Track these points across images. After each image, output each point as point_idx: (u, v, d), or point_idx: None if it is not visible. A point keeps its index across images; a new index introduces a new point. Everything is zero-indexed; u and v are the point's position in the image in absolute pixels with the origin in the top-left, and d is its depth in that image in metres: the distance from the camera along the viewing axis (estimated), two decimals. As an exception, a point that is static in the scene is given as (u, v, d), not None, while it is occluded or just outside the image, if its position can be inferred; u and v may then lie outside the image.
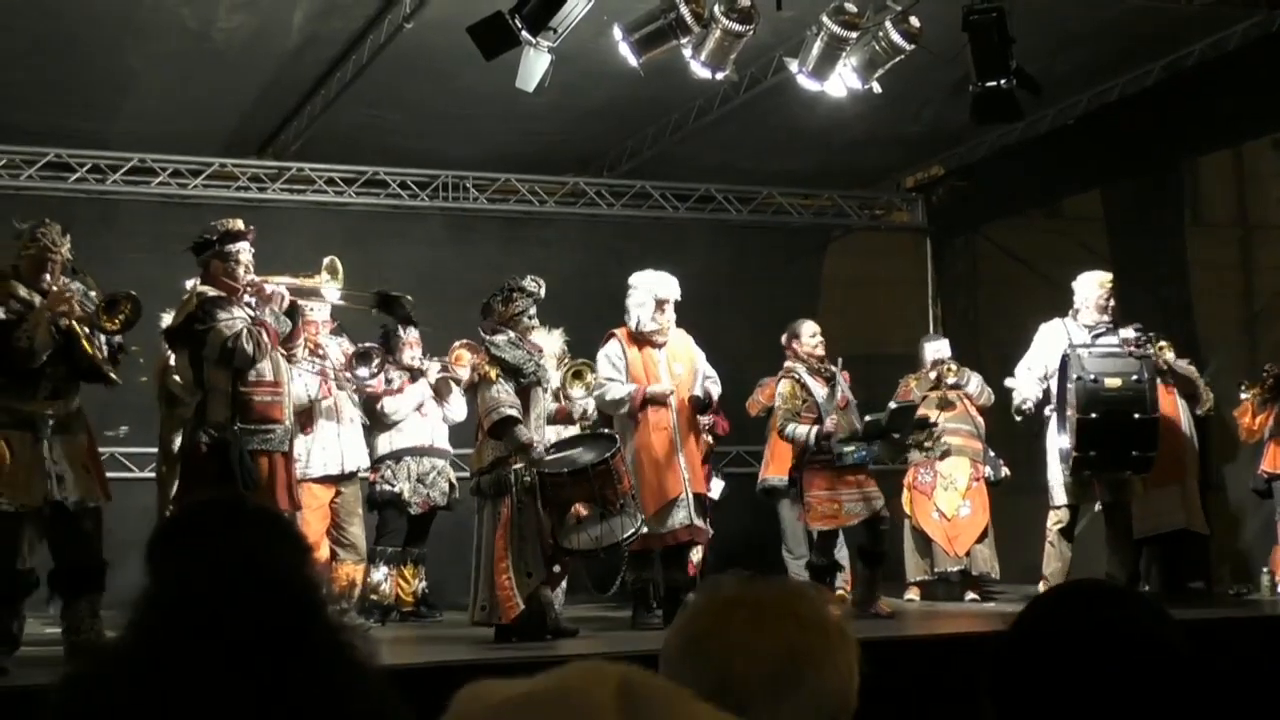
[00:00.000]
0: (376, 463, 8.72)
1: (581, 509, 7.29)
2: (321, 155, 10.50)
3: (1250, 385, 9.00)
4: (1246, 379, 9.14)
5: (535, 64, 7.27)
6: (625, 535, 7.34)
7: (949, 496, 9.52)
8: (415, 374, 8.83)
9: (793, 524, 9.15)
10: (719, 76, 7.83)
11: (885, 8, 7.85)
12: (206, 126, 10.11)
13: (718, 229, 11.65)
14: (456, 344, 8.92)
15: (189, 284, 7.06)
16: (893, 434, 8.41)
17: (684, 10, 7.27)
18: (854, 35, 7.74)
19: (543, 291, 7.58)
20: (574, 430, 8.28)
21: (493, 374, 7.29)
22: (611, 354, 8.06)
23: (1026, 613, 1.80)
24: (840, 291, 12.25)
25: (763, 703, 1.54)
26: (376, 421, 8.75)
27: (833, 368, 8.48)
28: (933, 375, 9.70)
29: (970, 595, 9.53)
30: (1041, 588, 8.52)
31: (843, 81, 8.03)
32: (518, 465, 7.20)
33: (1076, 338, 8.32)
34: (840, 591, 8.76)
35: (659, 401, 7.93)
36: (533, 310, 7.55)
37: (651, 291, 8.06)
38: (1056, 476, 8.38)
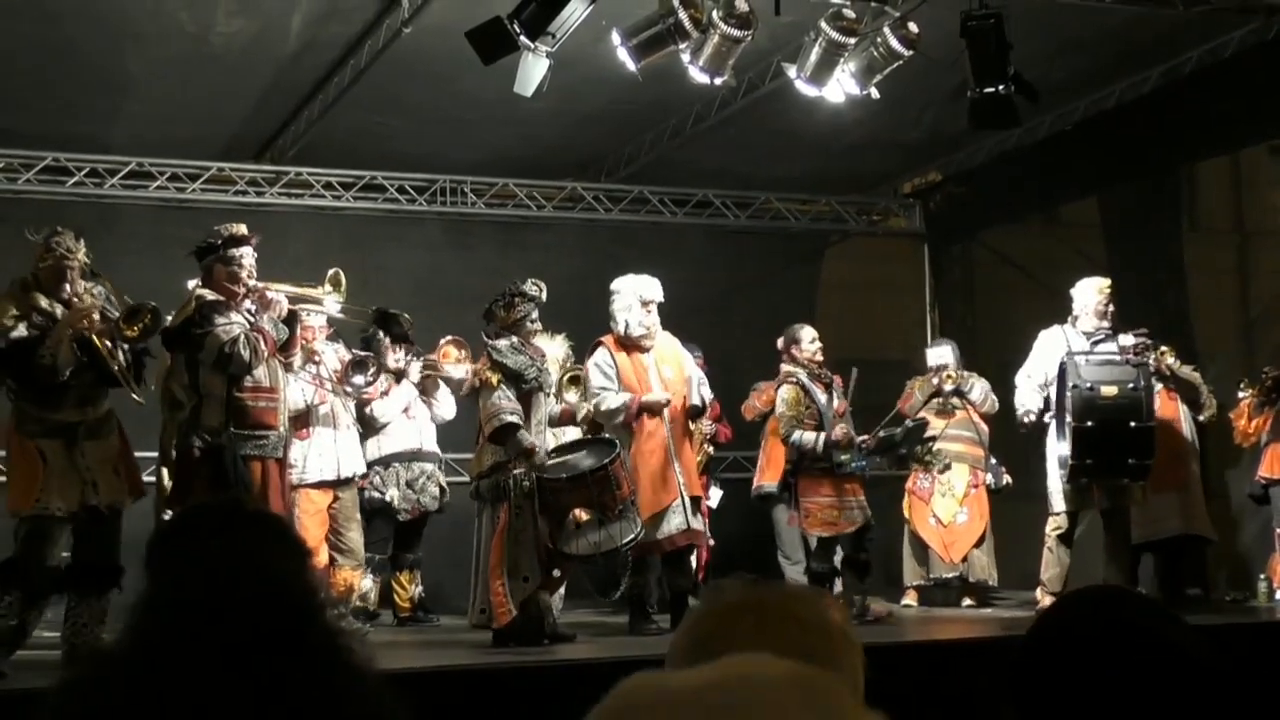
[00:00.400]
0: (366, 469, 8.72)
1: (581, 514, 7.29)
2: (320, 160, 10.50)
3: (1250, 385, 9.00)
4: (1245, 378, 9.13)
5: (533, 69, 7.27)
6: (625, 541, 7.33)
7: (946, 503, 9.52)
8: (399, 375, 8.83)
9: (788, 530, 9.15)
10: (717, 82, 7.84)
11: (884, 13, 7.85)
12: (205, 131, 10.11)
13: (715, 234, 11.66)
14: (443, 340, 8.91)
15: (190, 284, 7.07)
16: (901, 450, 8.47)
17: (682, 15, 7.27)
18: (852, 41, 7.74)
19: (544, 295, 7.58)
20: (576, 432, 8.28)
21: (494, 379, 7.29)
22: (601, 363, 8.03)
23: (1048, 617, 1.80)
24: (838, 297, 12.26)
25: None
26: (366, 427, 8.75)
27: (831, 374, 8.52)
28: (934, 381, 9.71)
29: (967, 601, 9.53)
30: (1039, 594, 8.54)
31: (841, 87, 8.03)
32: (517, 470, 7.20)
33: (1075, 344, 8.33)
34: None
35: (654, 410, 7.92)
36: (535, 315, 7.55)
37: (637, 294, 8.04)
38: (1055, 483, 8.38)
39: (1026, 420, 8.57)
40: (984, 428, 9.62)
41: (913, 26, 7.79)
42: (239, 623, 1.23)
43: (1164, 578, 9.04)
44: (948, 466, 9.47)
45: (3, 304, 6.41)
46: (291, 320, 7.04)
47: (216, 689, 1.18)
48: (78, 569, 6.48)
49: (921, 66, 8.01)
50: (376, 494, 8.70)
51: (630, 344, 8.05)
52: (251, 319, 6.85)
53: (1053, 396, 8.39)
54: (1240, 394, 9.07)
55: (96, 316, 6.43)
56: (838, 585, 8.64)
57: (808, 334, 8.58)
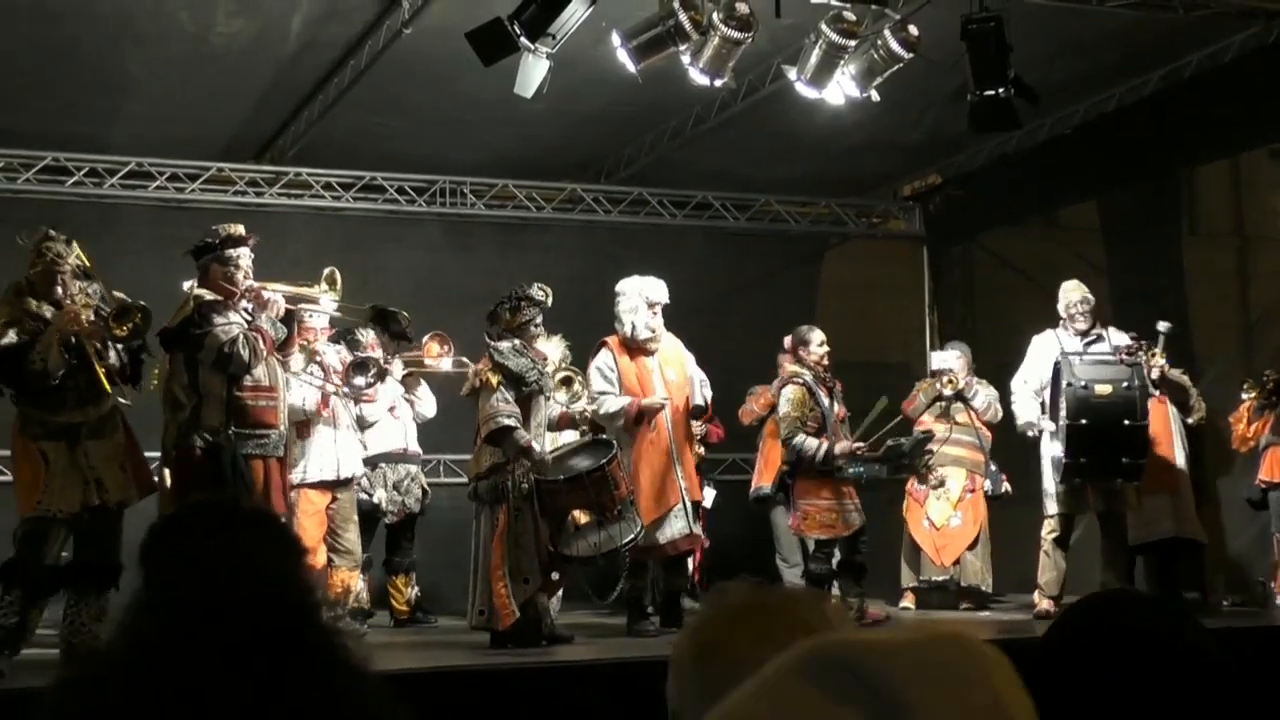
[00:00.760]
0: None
1: (579, 516, 7.29)
2: (319, 160, 10.50)
3: (1252, 386, 8.99)
4: (1249, 379, 9.12)
5: (534, 70, 7.27)
6: (624, 541, 7.34)
7: (941, 506, 9.53)
8: (383, 374, 8.81)
9: (786, 532, 9.14)
10: (717, 83, 7.84)
11: (884, 16, 7.85)
12: (205, 131, 10.11)
13: (715, 236, 11.66)
14: (426, 336, 8.90)
15: (186, 285, 7.06)
16: (905, 460, 8.48)
17: (683, 17, 7.27)
18: (852, 43, 7.75)
19: (550, 301, 7.58)
20: (574, 435, 8.27)
21: (494, 381, 7.28)
22: (603, 365, 8.03)
23: (1065, 619, 1.80)
24: (837, 299, 12.25)
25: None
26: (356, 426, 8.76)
27: (834, 379, 8.53)
28: (937, 386, 9.72)
29: (964, 605, 9.52)
30: (1037, 597, 8.54)
31: (841, 89, 8.03)
32: (516, 472, 7.20)
33: (1068, 346, 8.35)
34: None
35: (652, 413, 7.92)
36: (539, 319, 7.55)
37: (643, 296, 8.05)
38: (1050, 486, 8.39)
39: (1030, 434, 8.61)
40: (986, 433, 9.62)
41: (913, 29, 7.80)
42: (236, 622, 1.23)
43: (1158, 581, 9.03)
44: (941, 482, 9.47)
45: None
46: (289, 320, 7.05)
47: (213, 689, 1.17)
48: (78, 567, 6.49)
49: (922, 69, 8.01)
50: (364, 495, 8.69)
51: (635, 346, 8.05)
52: (249, 318, 6.85)
53: (1047, 400, 8.41)
54: (1243, 396, 9.06)
55: (85, 318, 6.42)
56: (835, 588, 8.65)
57: (816, 336, 8.58)
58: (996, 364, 10.03)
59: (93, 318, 6.46)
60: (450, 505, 9.87)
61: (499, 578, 7.09)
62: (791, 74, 8.08)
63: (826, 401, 8.36)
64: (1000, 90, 7.86)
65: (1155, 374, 8.43)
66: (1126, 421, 7.97)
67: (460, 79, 8.64)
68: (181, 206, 10.16)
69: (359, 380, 8.27)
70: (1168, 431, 8.90)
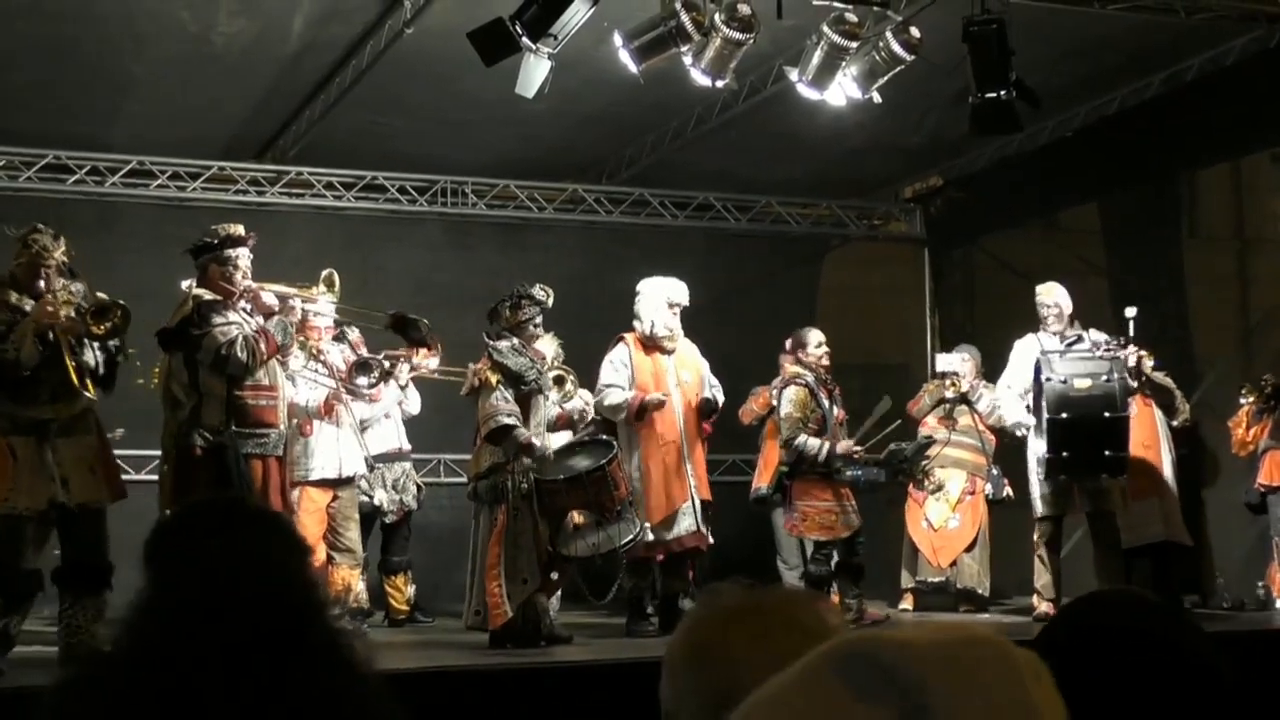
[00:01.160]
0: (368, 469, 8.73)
1: (578, 516, 7.29)
2: (320, 160, 10.50)
3: (1250, 391, 8.99)
4: (1247, 384, 9.13)
5: (535, 70, 7.27)
6: (623, 542, 7.34)
7: (939, 508, 9.54)
8: (385, 376, 8.82)
9: (786, 534, 9.15)
10: (719, 85, 7.83)
11: (886, 18, 7.85)
12: (206, 130, 10.11)
13: (716, 237, 11.66)
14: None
15: (185, 284, 7.06)
16: (906, 465, 8.48)
17: (684, 18, 7.27)
18: (854, 45, 7.74)
19: (551, 301, 7.60)
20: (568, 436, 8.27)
21: (493, 380, 7.29)
22: (616, 359, 8.06)
23: (1059, 619, 1.80)
24: (837, 301, 12.26)
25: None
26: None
27: (834, 382, 8.54)
28: (942, 388, 9.73)
29: (964, 606, 9.52)
30: (1035, 600, 8.54)
31: (842, 91, 8.03)
32: (515, 471, 7.20)
33: (1048, 346, 8.37)
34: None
35: (654, 409, 7.92)
36: (539, 319, 7.56)
37: (664, 295, 8.10)
38: (1036, 488, 8.41)
39: (1019, 433, 8.63)
40: (989, 437, 9.60)
41: (915, 31, 7.79)
42: (239, 621, 1.23)
43: (1156, 584, 9.02)
44: (940, 487, 9.47)
45: None
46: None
47: (216, 686, 1.18)
48: (67, 569, 6.41)
49: (923, 71, 8.01)
50: (364, 497, 8.70)
51: (652, 344, 8.08)
52: (249, 318, 6.85)
53: (1031, 402, 8.44)
54: (1241, 400, 9.06)
55: (64, 314, 6.35)
56: (833, 589, 8.65)
57: (815, 337, 8.59)
58: (997, 366, 10.01)
59: (72, 315, 6.38)
60: (449, 505, 9.89)
61: (493, 576, 7.10)
62: (793, 75, 8.08)
63: (827, 403, 8.38)
64: (1001, 93, 7.85)
65: (1133, 361, 8.43)
66: (1107, 414, 7.99)
67: (462, 79, 8.64)
68: (182, 205, 10.15)
69: (362, 380, 8.27)
70: (1154, 435, 8.90)
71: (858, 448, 8.34)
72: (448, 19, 7.75)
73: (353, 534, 8.20)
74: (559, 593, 8.06)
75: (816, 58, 7.83)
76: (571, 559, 7.36)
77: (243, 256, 6.91)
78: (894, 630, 1.11)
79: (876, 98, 8.13)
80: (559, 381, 7.92)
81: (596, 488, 7.21)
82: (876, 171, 11.73)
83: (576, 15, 7.05)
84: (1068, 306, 8.55)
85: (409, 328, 7.89)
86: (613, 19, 7.43)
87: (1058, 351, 8.26)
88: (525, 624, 7.13)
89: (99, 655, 1.27)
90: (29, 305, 6.37)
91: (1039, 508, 8.39)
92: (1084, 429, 7.98)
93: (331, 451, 8.18)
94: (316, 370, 8.18)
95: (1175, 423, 9.05)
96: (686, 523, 7.89)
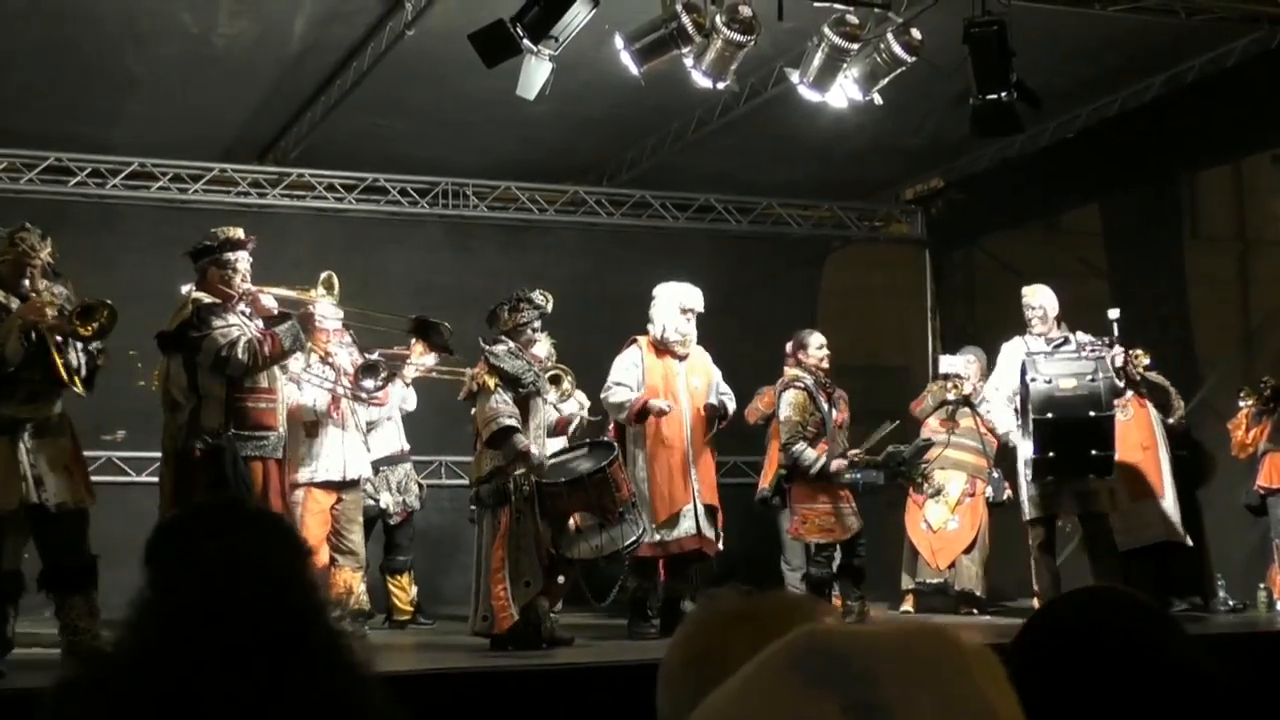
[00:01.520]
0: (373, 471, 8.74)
1: (580, 519, 7.28)
2: (322, 161, 10.51)
3: (1249, 394, 8.99)
4: (1246, 387, 9.13)
5: (536, 72, 7.27)
6: (626, 544, 7.34)
7: (938, 509, 9.55)
8: (390, 377, 8.81)
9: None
10: (720, 86, 7.83)
11: (886, 20, 7.86)
12: (207, 132, 10.11)
13: (717, 239, 11.66)
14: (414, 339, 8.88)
15: (184, 289, 7.05)
16: (904, 467, 8.47)
17: (685, 20, 7.27)
18: (855, 47, 7.75)
19: (550, 306, 7.60)
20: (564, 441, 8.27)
21: (491, 383, 7.28)
22: (627, 360, 8.09)
23: (1035, 620, 1.79)
24: (838, 303, 12.26)
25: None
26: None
27: (834, 385, 8.54)
28: (944, 390, 9.73)
29: (964, 609, 9.52)
30: (1036, 604, 8.53)
31: (843, 93, 8.03)
32: (517, 474, 7.20)
33: (1034, 348, 8.38)
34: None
35: (655, 413, 7.93)
36: (537, 323, 7.56)
37: (676, 301, 8.11)
38: (1025, 490, 8.41)
39: (1012, 445, 8.65)
40: (991, 439, 9.60)
41: (915, 33, 7.79)
42: (239, 623, 1.23)
43: (1155, 586, 9.02)
44: (939, 491, 9.47)
45: None
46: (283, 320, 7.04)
47: (216, 688, 1.17)
48: (49, 575, 6.37)
49: (924, 73, 8.01)
50: (371, 501, 8.71)
51: (664, 349, 8.09)
52: (249, 320, 6.85)
53: (1019, 404, 8.44)
54: (1240, 403, 9.06)
55: (51, 313, 6.33)
56: (835, 591, 8.65)
57: (815, 340, 8.59)
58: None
59: (57, 315, 6.36)
60: (450, 507, 9.89)
61: (499, 580, 7.10)
62: (794, 77, 8.08)
63: (826, 406, 8.38)
64: (1002, 94, 7.85)
65: (1120, 360, 8.43)
66: (1092, 414, 7.99)
67: (463, 81, 8.65)
68: (184, 207, 10.16)
69: (368, 383, 8.25)
70: (1151, 436, 8.90)
71: (854, 451, 8.34)
72: (449, 21, 7.75)
73: (356, 536, 8.20)
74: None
75: (817, 59, 7.83)
76: (574, 562, 7.36)
77: (242, 260, 6.91)
78: (849, 625, 1.12)
79: (877, 99, 8.13)
80: (555, 380, 7.92)
81: (598, 490, 7.21)
82: (877, 173, 11.74)
83: (577, 17, 7.05)
84: (1053, 309, 8.53)
85: (431, 332, 7.82)
86: (614, 21, 7.43)
87: (1043, 353, 8.26)
88: (527, 626, 7.13)
89: (99, 656, 1.27)
90: (14, 304, 6.35)
91: (1027, 510, 8.38)
92: (1070, 429, 7.98)
93: (336, 454, 8.18)
94: (324, 371, 8.18)
95: (1171, 420, 9.05)
96: (686, 525, 7.90)
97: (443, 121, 9.89)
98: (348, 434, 8.29)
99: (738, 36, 7.40)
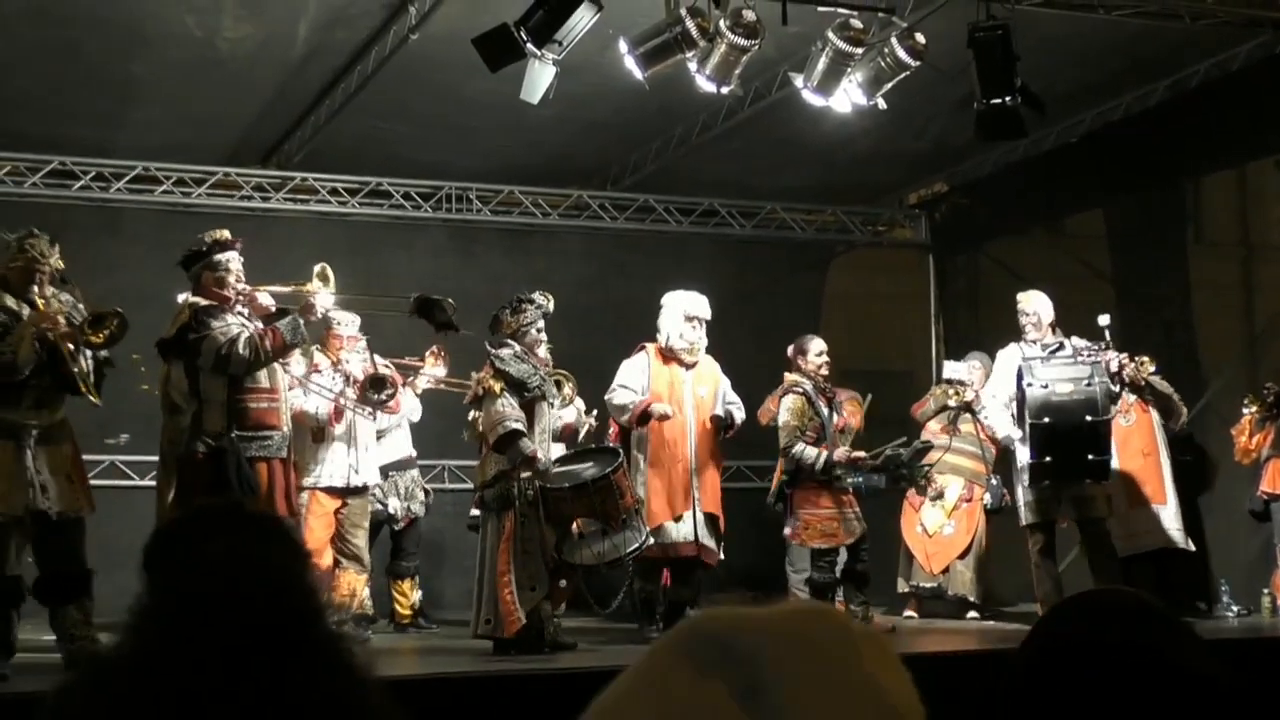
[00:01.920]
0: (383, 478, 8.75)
1: (583, 524, 7.28)
2: (325, 165, 10.51)
3: (1253, 400, 8.99)
4: (1250, 393, 9.13)
5: (540, 76, 7.28)
6: (628, 551, 7.33)
7: (935, 514, 9.56)
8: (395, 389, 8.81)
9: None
10: (724, 91, 7.84)
11: (891, 24, 7.85)
12: (210, 136, 10.12)
13: (720, 243, 11.66)
14: (427, 351, 8.88)
15: (180, 298, 7.05)
16: (904, 470, 8.47)
17: (689, 24, 7.27)
18: (859, 51, 7.75)
19: (551, 306, 7.59)
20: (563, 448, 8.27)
21: (497, 388, 7.28)
22: (636, 364, 8.11)
23: (1040, 626, 1.78)
24: (842, 307, 12.26)
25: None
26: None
27: (834, 390, 8.54)
28: (946, 396, 9.73)
29: (971, 614, 9.52)
30: (1039, 610, 8.51)
31: (847, 97, 8.03)
32: (522, 478, 7.19)
33: (1029, 354, 8.37)
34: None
35: (657, 418, 7.93)
36: (541, 324, 7.55)
37: (682, 309, 8.13)
38: (1020, 495, 8.40)
39: (1013, 447, 8.64)
40: (991, 445, 9.60)
41: (920, 37, 7.79)
42: (239, 626, 1.22)
43: (1158, 592, 9.01)
44: (940, 494, 9.46)
45: None
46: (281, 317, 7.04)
47: (216, 691, 1.17)
48: (46, 580, 6.37)
49: (928, 77, 8.01)
50: (379, 506, 8.71)
51: (673, 356, 8.11)
52: (246, 318, 6.85)
53: (1015, 410, 8.44)
54: (1244, 409, 9.06)
55: (62, 320, 6.35)
56: (839, 595, 8.64)
57: (815, 346, 8.59)
58: (1000, 373, 10.02)
59: (69, 324, 6.37)
60: (454, 511, 9.89)
61: (505, 584, 7.08)
62: (798, 81, 8.08)
63: (825, 411, 8.38)
64: (1006, 99, 7.85)
65: (1115, 365, 8.42)
66: (1088, 418, 7.99)
67: (467, 85, 8.66)
68: (187, 211, 10.15)
69: (375, 396, 8.20)
70: (1153, 442, 8.89)
71: (858, 454, 8.34)
72: (453, 25, 7.76)
73: (360, 541, 8.19)
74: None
75: (821, 64, 7.83)
76: (577, 567, 7.36)
77: (233, 259, 6.91)
78: (738, 609, 1.12)
79: (881, 104, 8.13)
80: (558, 385, 7.93)
81: (602, 496, 7.20)
82: (881, 177, 11.73)
83: (581, 21, 7.06)
84: (1047, 315, 8.51)
85: (434, 309, 7.65)
86: (618, 25, 7.44)
87: (1039, 358, 8.25)
88: (530, 630, 7.12)
89: (100, 659, 1.27)
90: (24, 310, 6.36)
91: (1024, 515, 8.37)
92: (1066, 434, 7.98)
93: (341, 461, 8.16)
94: (331, 379, 8.16)
95: (1175, 426, 9.04)
96: (684, 530, 7.90)
97: (446, 125, 9.90)
98: (356, 443, 8.28)
99: (742, 41, 7.40)
